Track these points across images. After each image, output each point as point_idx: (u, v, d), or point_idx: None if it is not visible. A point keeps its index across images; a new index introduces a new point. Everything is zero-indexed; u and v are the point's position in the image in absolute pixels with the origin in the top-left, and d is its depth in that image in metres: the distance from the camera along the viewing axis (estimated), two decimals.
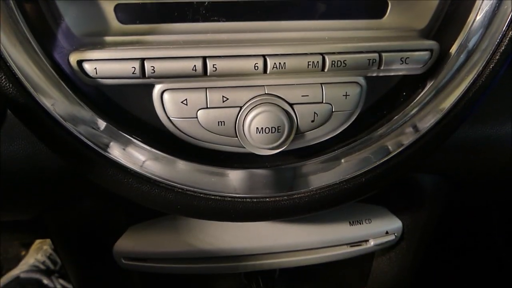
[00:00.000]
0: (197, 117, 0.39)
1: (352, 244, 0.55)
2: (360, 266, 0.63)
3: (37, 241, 1.30)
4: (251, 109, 0.38)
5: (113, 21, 0.39)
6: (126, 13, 0.39)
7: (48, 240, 1.27)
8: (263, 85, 0.39)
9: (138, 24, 0.39)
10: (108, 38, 0.39)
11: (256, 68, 0.38)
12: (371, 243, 0.55)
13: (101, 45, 0.38)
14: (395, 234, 0.56)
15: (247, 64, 0.38)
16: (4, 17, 0.35)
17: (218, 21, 0.39)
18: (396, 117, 0.43)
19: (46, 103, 0.36)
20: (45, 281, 1.16)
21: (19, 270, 1.19)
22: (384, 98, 0.43)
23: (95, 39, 0.38)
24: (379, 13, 0.42)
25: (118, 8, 0.38)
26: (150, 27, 0.39)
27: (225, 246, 0.52)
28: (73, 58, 0.37)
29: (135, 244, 0.52)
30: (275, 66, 0.38)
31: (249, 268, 0.55)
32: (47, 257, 1.22)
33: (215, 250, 0.51)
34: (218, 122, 0.39)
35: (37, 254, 1.24)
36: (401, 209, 0.58)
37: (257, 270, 0.58)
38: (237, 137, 0.39)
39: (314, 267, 0.54)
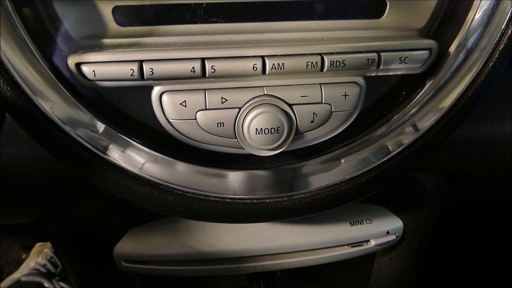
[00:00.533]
0: (196, 119, 0.39)
1: (353, 244, 0.54)
2: (361, 266, 0.63)
3: (38, 244, 1.30)
4: (250, 110, 0.38)
5: (111, 24, 0.39)
6: (124, 15, 0.39)
7: (49, 243, 1.26)
8: (262, 86, 0.39)
9: (137, 26, 0.39)
10: (107, 41, 0.39)
11: (255, 69, 0.38)
12: (372, 243, 0.55)
13: (100, 48, 0.38)
14: (396, 234, 0.56)
15: (246, 65, 0.38)
16: (2, 21, 0.35)
17: (217, 22, 0.39)
18: (395, 116, 0.43)
19: (45, 106, 0.36)
20: (46, 284, 1.15)
21: (20, 273, 1.19)
22: (384, 97, 0.43)
23: (93, 41, 0.38)
24: (378, 12, 0.42)
25: (116, 11, 0.38)
26: (149, 29, 0.39)
27: (225, 248, 0.52)
28: (72, 61, 0.37)
29: (135, 246, 0.52)
30: (273, 67, 0.38)
31: (250, 269, 0.54)
32: (47, 260, 1.22)
33: (216, 251, 0.51)
34: (217, 123, 0.39)
35: (38, 257, 1.24)
36: (402, 209, 0.58)
37: (258, 271, 0.58)
38: (236, 138, 0.39)
39: (315, 268, 0.54)
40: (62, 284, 1.17)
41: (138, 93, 0.39)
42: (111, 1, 0.38)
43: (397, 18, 0.42)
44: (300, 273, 0.60)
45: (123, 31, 0.39)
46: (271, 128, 0.38)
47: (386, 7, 0.42)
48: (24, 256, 1.31)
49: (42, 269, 1.20)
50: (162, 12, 0.39)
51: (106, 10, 0.38)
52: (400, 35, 0.42)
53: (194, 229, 0.52)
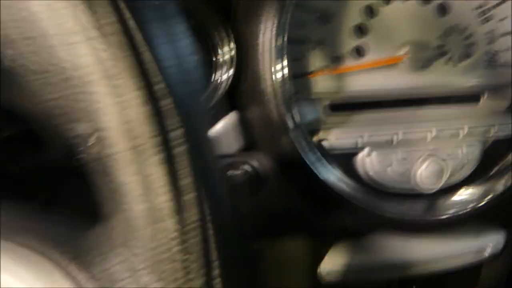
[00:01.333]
0: (387, 172, 0.62)
1: (474, 252, 0.75)
2: (472, 273, 0.82)
3: None
4: (422, 164, 0.62)
5: (327, 111, 0.62)
6: (337, 107, 0.62)
7: None
8: (428, 147, 0.62)
9: (346, 111, 0.63)
10: (329, 121, 0.62)
11: (424, 138, 0.62)
12: (487, 251, 0.75)
13: (329, 128, 0.61)
14: (499, 245, 0.77)
15: (419, 136, 0.62)
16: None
17: (400, 107, 0.63)
18: (499, 165, 0.67)
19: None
20: None
21: None
22: (490, 153, 0.67)
23: (322, 124, 0.62)
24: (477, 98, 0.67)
25: (330, 105, 0.62)
26: (356, 113, 0.62)
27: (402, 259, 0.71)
28: (315, 139, 0.60)
29: (336, 263, 0.69)
30: (434, 136, 0.62)
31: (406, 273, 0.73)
32: None
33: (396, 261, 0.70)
34: (400, 174, 0.62)
35: None
36: (500, 226, 0.81)
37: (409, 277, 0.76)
38: (412, 183, 0.62)
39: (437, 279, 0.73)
40: None
41: (349, 154, 0.62)
42: (325, 100, 0.62)
43: (493, 102, 0.67)
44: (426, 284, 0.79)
45: (337, 116, 0.62)
46: (434, 175, 0.62)
47: (484, 96, 0.67)
48: None
49: None
50: (366, 103, 0.62)
51: (323, 105, 0.62)
52: (497, 112, 0.67)
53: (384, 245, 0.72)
